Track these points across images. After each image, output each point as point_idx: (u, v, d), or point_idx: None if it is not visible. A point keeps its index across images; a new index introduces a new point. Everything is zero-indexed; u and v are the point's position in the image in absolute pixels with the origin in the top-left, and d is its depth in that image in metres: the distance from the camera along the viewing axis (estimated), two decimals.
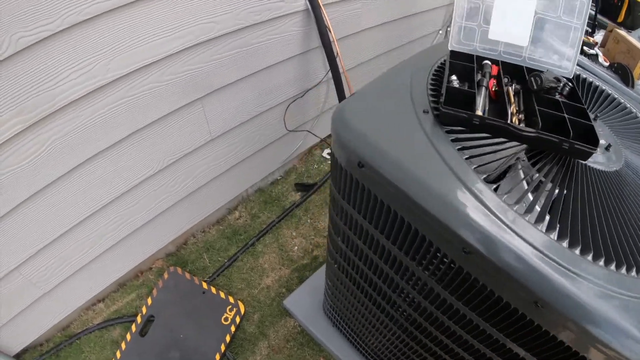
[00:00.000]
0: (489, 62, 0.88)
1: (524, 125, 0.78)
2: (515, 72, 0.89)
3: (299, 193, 2.29)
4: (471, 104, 0.78)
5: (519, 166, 0.74)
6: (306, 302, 1.90)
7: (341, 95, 1.86)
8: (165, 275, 1.86)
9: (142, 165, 1.51)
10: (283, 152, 2.22)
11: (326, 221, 2.20)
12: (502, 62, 0.89)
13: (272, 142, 2.06)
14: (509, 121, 0.74)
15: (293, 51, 1.77)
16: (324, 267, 1.98)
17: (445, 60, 0.91)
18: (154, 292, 1.81)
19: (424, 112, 0.78)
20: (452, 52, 0.89)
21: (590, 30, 2.15)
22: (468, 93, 0.79)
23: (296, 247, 2.11)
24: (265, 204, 2.23)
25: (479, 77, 0.85)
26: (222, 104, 1.64)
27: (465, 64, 0.86)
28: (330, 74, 1.86)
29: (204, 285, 1.87)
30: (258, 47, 1.59)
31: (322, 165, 2.44)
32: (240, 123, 1.78)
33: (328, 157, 2.47)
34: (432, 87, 0.85)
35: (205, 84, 1.50)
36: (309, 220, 2.20)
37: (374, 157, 0.71)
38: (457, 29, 0.88)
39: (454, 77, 0.85)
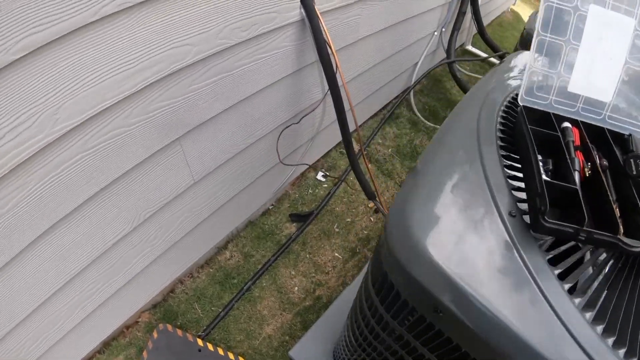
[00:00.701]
0: (569, 126, 0.67)
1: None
2: (594, 134, 0.68)
3: (294, 224, 2.05)
4: (571, 203, 0.56)
5: None
6: (314, 351, 1.69)
7: (340, 113, 1.61)
8: (155, 334, 1.61)
9: (116, 224, 1.24)
10: (275, 182, 1.98)
11: (326, 255, 1.98)
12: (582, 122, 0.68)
13: (263, 173, 1.81)
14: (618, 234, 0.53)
15: (285, 70, 1.51)
16: (329, 310, 1.78)
17: (507, 112, 0.69)
18: (144, 354, 1.56)
19: (510, 215, 0.56)
20: (525, 108, 0.67)
21: None
22: (568, 190, 0.57)
23: (296, 288, 1.88)
24: (258, 240, 1.98)
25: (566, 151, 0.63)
26: (204, 141, 1.37)
27: (547, 133, 0.64)
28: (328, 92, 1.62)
29: (199, 341, 1.63)
30: (244, 70, 1.33)
31: (317, 190, 2.20)
32: (226, 160, 1.52)
33: (323, 179, 2.24)
34: (507, 166, 0.63)
35: (182, 121, 1.23)
36: (307, 256, 1.97)
37: (457, 303, 0.49)
38: (531, 77, 0.66)
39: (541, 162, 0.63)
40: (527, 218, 0.56)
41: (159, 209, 1.37)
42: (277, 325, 1.77)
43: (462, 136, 0.66)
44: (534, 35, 0.62)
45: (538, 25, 0.62)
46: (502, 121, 0.69)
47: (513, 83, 0.88)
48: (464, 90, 2.74)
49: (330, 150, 2.34)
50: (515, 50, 1.96)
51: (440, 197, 0.57)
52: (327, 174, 2.24)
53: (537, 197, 0.55)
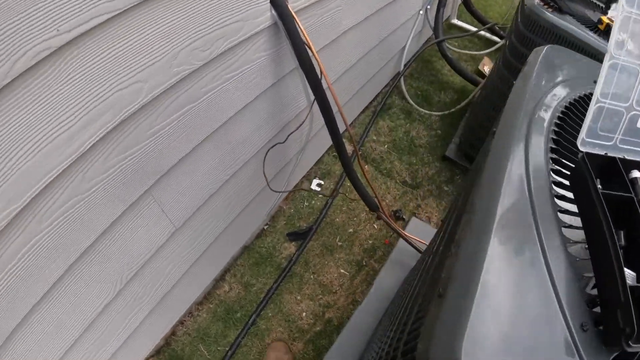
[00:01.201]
0: None
1: None
2: None
3: (293, 243, 1.89)
4: None
5: None
6: None
7: (330, 122, 1.42)
8: None
9: (96, 294, 1.08)
10: (267, 203, 1.81)
11: (331, 273, 1.83)
12: None
13: (252, 199, 1.63)
14: None
15: (262, 85, 1.32)
16: (343, 334, 1.65)
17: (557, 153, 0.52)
18: None
19: (582, 329, 0.40)
20: (588, 156, 0.50)
21: (603, 5, 1.77)
22: None
23: (304, 314, 1.74)
24: (256, 267, 1.82)
25: None
26: (179, 185, 1.20)
27: (619, 196, 0.47)
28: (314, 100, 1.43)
29: None
30: (213, 95, 1.14)
31: (313, 201, 2.04)
32: (209, 196, 1.34)
33: (318, 188, 2.07)
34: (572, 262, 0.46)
35: (149, 170, 1.05)
36: (312, 276, 1.82)
37: None
38: (596, 113, 0.49)
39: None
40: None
41: (142, 265, 1.21)
42: (290, 357, 1.64)
43: (512, 218, 0.49)
44: (605, 59, 0.45)
45: (610, 48, 0.45)
46: (554, 166, 0.52)
47: (558, 94, 0.71)
48: (455, 69, 2.55)
49: (323, 155, 2.16)
50: (513, 25, 1.77)
51: (498, 326, 0.41)
52: (322, 182, 2.07)
53: (618, 309, 0.39)
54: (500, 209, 0.49)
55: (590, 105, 0.49)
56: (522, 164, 0.55)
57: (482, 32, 2.98)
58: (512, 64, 1.70)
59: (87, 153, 0.87)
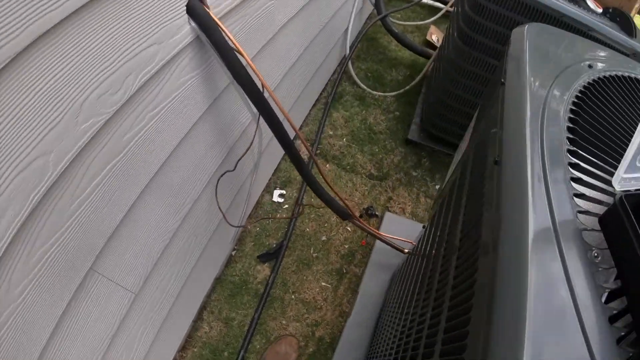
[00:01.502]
0: None
1: None
2: None
3: (266, 264, 1.76)
4: None
5: None
6: None
7: (279, 132, 1.26)
8: None
9: None
10: (230, 229, 1.65)
11: (313, 288, 1.72)
12: None
13: (214, 230, 1.48)
14: None
15: (195, 113, 1.15)
16: (338, 351, 1.56)
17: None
18: None
19: None
20: (625, 199, 0.39)
21: None
22: None
23: None
24: (233, 298, 1.68)
25: None
26: (125, 250, 1.03)
27: None
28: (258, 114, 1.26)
29: None
30: (138, 142, 0.96)
31: (277, 214, 1.90)
32: (164, 248, 1.18)
33: (281, 199, 1.93)
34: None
35: (83, 249, 0.88)
36: (293, 297, 1.70)
37: None
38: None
39: None
40: None
41: (109, 344, 1.05)
42: None
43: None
44: None
45: None
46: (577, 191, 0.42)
47: (561, 90, 0.63)
48: (403, 43, 2.43)
49: (280, 162, 2.01)
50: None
51: None
52: (284, 192, 1.93)
53: None
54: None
55: (635, 138, 0.38)
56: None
57: (425, 0, 2.86)
58: (468, 35, 1.60)
59: (2, 258, 0.69)
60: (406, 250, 1.59)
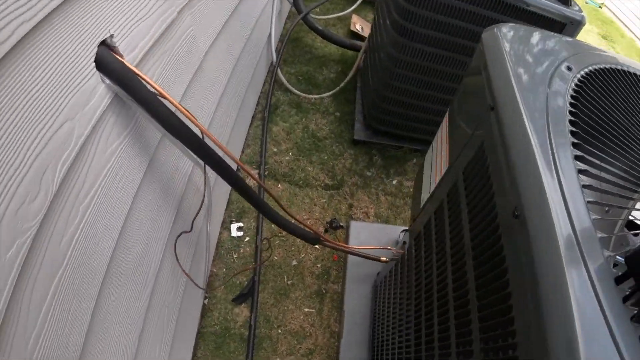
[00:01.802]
0: None
1: None
2: None
3: (243, 305, 1.65)
4: None
5: None
6: None
7: (226, 175, 1.14)
8: None
9: None
10: (198, 280, 1.51)
11: (297, 317, 1.65)
12: None
13: (183, 291, 1.34)
14: None
15: (132, 186, 1.00)
16: None
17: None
18: None
19: None
20: None
21: None
22: None
23: None
24: (219, 350, 1.55)
25: None
26: (101, 350, 0.89)
27: None
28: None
29: None
30: (75, 250, 0.79)
31: (241, 249, 1.77)
32: (139, 332, 1.05)
33: (241, 233, 1.80)
34: None
35: None
36: (280, 331, 1.61)
37: None
38: None
39: None
40: None
41: None
42: None
43: None
44: None
45: None
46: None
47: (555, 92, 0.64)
48: (329, 39, 2.36)
49: (231, 194, 1.88)
50: None
51: None
52: (241, 224, 1.81)
53: None
54: None
55: None
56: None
57: None
58: (404, 27, 1.57)
59: None
60: (383, 258, 1.56)
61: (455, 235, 0.81)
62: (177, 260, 1.21)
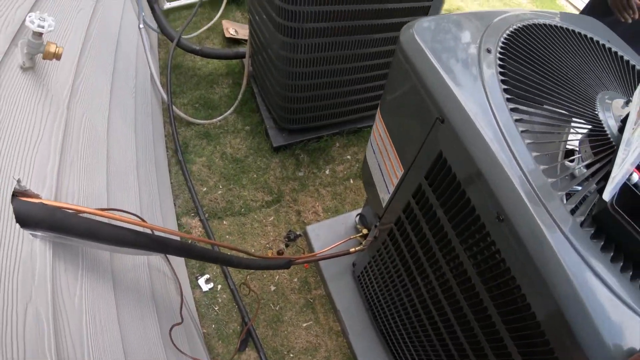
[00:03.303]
0: None
1: None
2: None
3: (247, 350, 1.66)
4: None
5: None
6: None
7: (184, 254, 1.14)
8: None
9: None
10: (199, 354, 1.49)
11: (300, 336, 1.71)
12: None
13: None
14: None
15: (111, 320, 0.96)
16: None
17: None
18: None
19: None
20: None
21: None
22: None
23: None
24: None
25: None
26: None
27: None
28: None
29: None
30: None
31: (217, 301, 1.74)
32: None
33: (211, 284, 1.76)
34: None
35: None
36: (291, 355, 1.66)
37: None
38: None
39: None
40: None
41: None
42: None
43: None
44: None
45: None
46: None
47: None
48: (209, 56, 2.27)
49: None
50: None
51: None
52: (208, 275, 1.77)
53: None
54: None
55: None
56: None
57: None
58: (289, 27, 1.57)
59: None
60: (352, 250, 1.65)
61: (437, 232, 0.88)
62: (179, 350, 1.19)
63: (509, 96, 0.74)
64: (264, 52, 1.88)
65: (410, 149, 0.90)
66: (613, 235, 0.59)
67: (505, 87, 0.75)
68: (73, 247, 0.86)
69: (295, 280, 1.82)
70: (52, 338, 0.69)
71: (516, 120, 0.69)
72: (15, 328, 0.61)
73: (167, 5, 2.73)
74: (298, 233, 1.91)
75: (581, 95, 0.80)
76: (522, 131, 0.67)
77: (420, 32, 0.85)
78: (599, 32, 1.04)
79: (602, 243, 0.57)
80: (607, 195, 0.57)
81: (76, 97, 1.08)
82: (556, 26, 0.95)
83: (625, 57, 0.97)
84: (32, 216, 0.72)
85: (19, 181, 0.72)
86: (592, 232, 0.58)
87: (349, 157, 2.19)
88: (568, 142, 0.76)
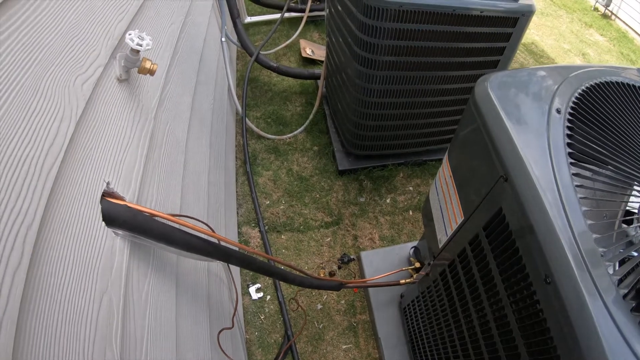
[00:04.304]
0: None
1: None
2: None
3: None
4: None
5: None
6: None
7: (246, 266, 1.19)
8: None
9: None
10: (240, 355, 1.55)
11: (337, 354, 1.71)
12: None
13: None
14: None
15: (170, 321, 1.04)
16: None
17: None
18: None
19: None
20: None
21: None
22: None
23: None
24: None
25: None
26: None
27: None
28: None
29: None
30: None
31: (265, 309, 1.81)
32: None
33: (261, 294, 1.83)
34: None
35: None
36: None
37: None
38: None
39: None
40: None
41: None
42: None
43: None
44: None
45: None
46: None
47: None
48: (285, 74, 2.38)
49: None
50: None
51: None
52: (259, 285, 1.84)
53: None
54: None
55: None
56: None
57: (287, 15, 2.79)
58: (366, 58, 1.62)
59: None
60: (402, 281, 1.63)
61: (488, 282, 0.88)
62: (225, 353, 1.25)
63: (572, 160, 0.73)
64: (338, 76, 1.94)
65: (473, 199, 0.90)
66: None
67: (570, 150, 0.74)
68: (147, 247, 0.95)
69: (343, 302, 1.83)
70: (119, 325, 0.77)
71: (577, 186, 0.68)
72: (90, 313, 0.69)
73: (248, 20, 2.92)
74: (352, 257, 1.92)
75: None
76: (580, 198, 0.67)
77: (494, 87, 0.85)
78: None
79: None
80: None
81: (162, 107, 1.20)
82: (629, 85, 0.91)
83: None
84: (117, 217, 0.81)
85: (108, 184, 0.82)
86: (634, 305, 0.56)
87: (411, 188, 2.17)
88: (629, 205, 0.74)
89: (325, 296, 1.84)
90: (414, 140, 2.07)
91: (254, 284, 1.84)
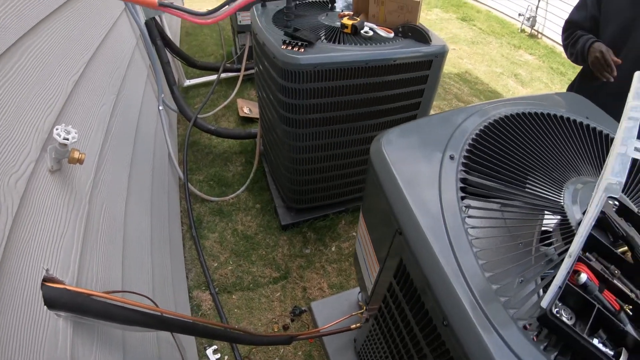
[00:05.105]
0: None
1: None
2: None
3: None
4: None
5: None
6: None
7: (192, 333, 1.22)
8: None
9: None
10: None
11: None
12: None
13: None
14: None
15: None
16: None
17: None
18: None
19: None
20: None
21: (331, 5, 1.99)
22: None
23: None
24: None
25: None
26: None
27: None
28: None
29: None
30: None
31: None
32: None
33: (218, 355, 1.81)
34: None
35: None
36: None
37: None
38: None
39: None
40: None
41: None
42: None
43: None
44: None
45: None
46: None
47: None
48: (224, 136, 2.48)
49: None
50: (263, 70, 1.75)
51: None
52: (216, 346, 1.82)
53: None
54: None
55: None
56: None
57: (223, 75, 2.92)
58: (290, 119, 1.73)
59: None
60: (353, 326, 1.69)
61: (406, 325, 0.93)
62: None
63: (462, 194, 0.80)
64: (272, 133, 2.05)
65: (382, 250, 0.96)
66: (558, 336, 0.65)
67: (463, 192, 0.81)
68: (89, 326, 0.96)
69: (300, 353, 1.84)
70: None
71: (467, 217, 0.76)
72: None
73: (187, 83, 3.03)
74: (303, 308, 1.96)
75: (550, 182, 0.84)
76: (472, 239, 0.74)
77: (387, 144, 0.93)
78: (578, 109, 1.06)
79: (545, 344, 0.64)
80: (545, 303, 0.63)
81: (97, 189, 1.23)
82: (529, 113, 0.98)
83: (605, 131, 0.98)
84: (57, 300, 0.85)
85: (47, 270, 0.86)
86: (536, 333, 0.64)
87: (354, 234, 2.28)
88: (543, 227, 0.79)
89: (282, 350, 1.85)
90: (350, 188, 2.20)
91: (210, 346, 1.82)
